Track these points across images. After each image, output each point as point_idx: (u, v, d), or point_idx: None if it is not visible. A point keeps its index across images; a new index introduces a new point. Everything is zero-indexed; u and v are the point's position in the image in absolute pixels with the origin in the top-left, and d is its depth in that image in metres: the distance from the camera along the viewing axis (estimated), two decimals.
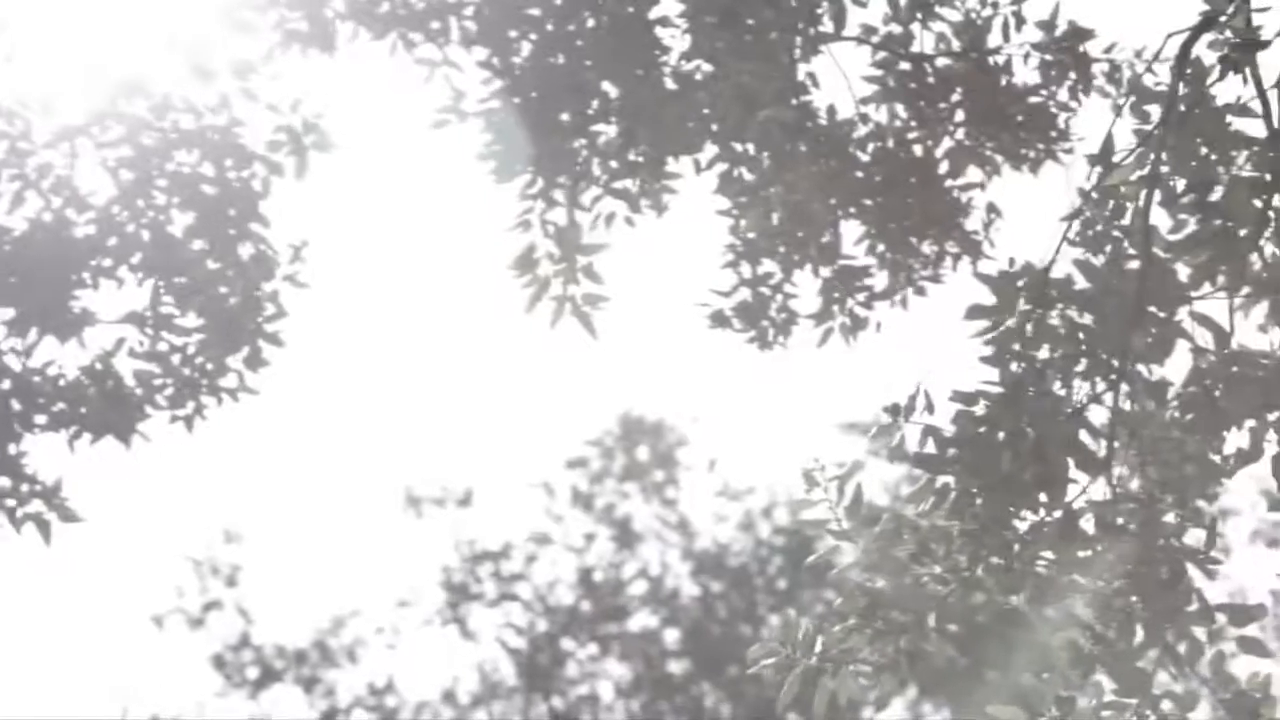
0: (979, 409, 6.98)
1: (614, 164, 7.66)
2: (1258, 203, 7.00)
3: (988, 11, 8.12)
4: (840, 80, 7.98)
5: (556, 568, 25.21)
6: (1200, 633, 6.85)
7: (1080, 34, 8.09)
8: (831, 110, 7.87)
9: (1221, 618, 6.86)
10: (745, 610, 24.44)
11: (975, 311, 7.05)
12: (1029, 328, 7.01)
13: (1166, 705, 6.89)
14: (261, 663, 24.98)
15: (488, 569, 24.89)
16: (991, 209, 8.16)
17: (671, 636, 24.68)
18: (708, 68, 7.48)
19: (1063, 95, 8.11)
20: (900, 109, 8.00)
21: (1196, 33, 7.24)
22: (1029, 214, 8.02)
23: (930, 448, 6.99)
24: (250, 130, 7.97)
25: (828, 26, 7.79)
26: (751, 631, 24.00)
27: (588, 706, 24.41)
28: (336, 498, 26.87)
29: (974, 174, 8.10)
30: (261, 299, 7.83)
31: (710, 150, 7.76)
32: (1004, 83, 8.04)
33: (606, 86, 7.59)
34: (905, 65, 7.96)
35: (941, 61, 8.03)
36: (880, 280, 8.14)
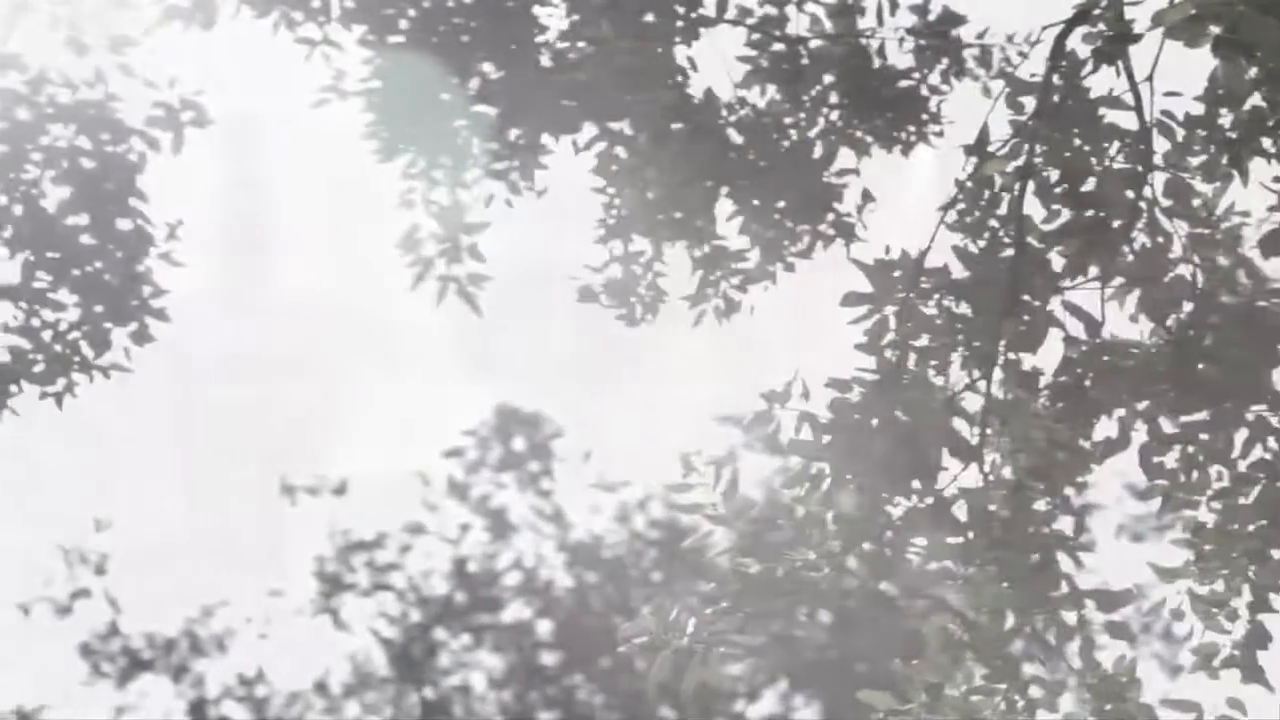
0: (854, 396, 7.01)
1: (493, 145, 7.66)
2: (1129, 194, 7.07)
3: None
4: (719, 63, 8.01)
5: (431, 558, 25.13)
6: (1069, 618, 6.91)
7: (952, 19, 8.16)
8: (709, 92, 7.89)
9: (1090, 604, 6.92)
10: (619, 602, 24.47)
11: (851, 299, 7.08)
12: (904, 315, 7.04)
13: (1035, 692, 6.94)
14: (129, 652, 24.74)
15: (361, 559, 24.77)
16: (866, 194, 8.22)
17: (545, 628, 24.67)
18: (585, 47, 7.48)
19: (934, 79, 8.18)
20: (775, 91, 8.03)
21: (1070, 25, 7.30)
22: (901, 198, 8.08)
23: (806, 434, 7.01)
24: (129, 105, 7.91)
25: (708, 10, 7.82)
26: (625, 624, 24.01)
27: (460, 697, 24.35)
28: (208, 485, 26.60)
29: (848, 157, 8.15)
30: (142, 275, 7.77)
31: (589, 130, 7.77)
32: (877, 66, 8.09)
33: (487, 67, 7.59)
34: (779, 47, 8.00)
35: (815, 44, 8.06)
36: (754, 259, 8.18)
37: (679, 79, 7.71)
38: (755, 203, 7.95)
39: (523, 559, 25.08)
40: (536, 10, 7.52)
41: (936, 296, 7.10)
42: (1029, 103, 7.26)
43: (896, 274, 7.10)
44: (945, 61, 8.13)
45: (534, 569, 24.93)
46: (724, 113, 7.86)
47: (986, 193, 7.21)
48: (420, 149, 7.63)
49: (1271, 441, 6.99)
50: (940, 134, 8.14)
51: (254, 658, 24.70)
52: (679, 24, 7.63)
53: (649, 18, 7.38)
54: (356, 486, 25.36)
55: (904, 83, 8.11)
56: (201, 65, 8.01)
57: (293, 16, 7.80)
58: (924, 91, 8.13)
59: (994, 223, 7.19)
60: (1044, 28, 7.43)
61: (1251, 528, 6.98)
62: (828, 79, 8.02)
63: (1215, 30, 6.57)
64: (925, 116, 8.11)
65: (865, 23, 8.17)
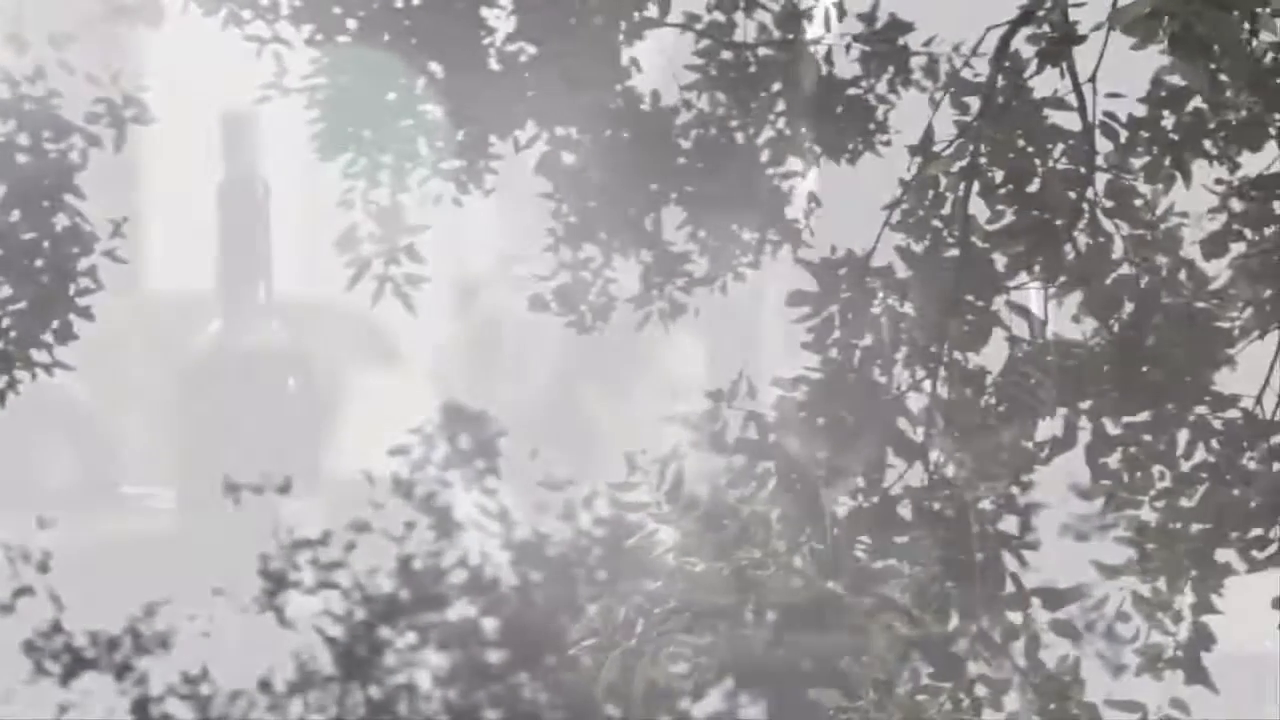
0: (799, 395, 7.03)
1: (440, 144, 7.66)
2: (1072, 194, 7.11)
3: (809, 2, 8.19)
4: (665, 66, 8.02)
5: (376, 556, 25.06)
6: (1015, 617, 6.94)
7: (900, 27, 8.20)
8: (656, 96, 7.92)
9: (1036, 602, 6.96)
10: (565, 600, 24.46)
11: (797, 298, 7.11)
12: (849, 315, 7.06)
13: (981, 690, 6.97)
14: (72, 650, 24.61)
15: (306, 556, 24.69)
16: (812, 198, 8.25)
17: (490, 626, 24.63)
18: (532, 49, 7.49)
19: (881, 88, 8.22)
20: (722, 97, 8.06)
21: (1015, 26, 7.33)
22: (850, 203, 8.10)
23: (752, 433, 7.04)
24: (70, 101, 7.86)
25: (653, 12, 7.82)
26: (570, 622, 24.01)
27: (405, 695, 24.31)
28: (152, 481, 26.52)
29: (794, 163, 8.18)
30: (75, 272, 7.73)
31: (530, 130, 7.79)
32: (824, 73, 8.12)
33: (434, 67, 7.58)
34: (727, 54, 8.03)
35: (763, 51, 8.09)
36: (701, 266, 8.22)
37: (624, 82, 7.72)
38: (702, 207, 7.97)
39: (468, 557, 25.03)
40: (484, 12, 7.51)
41: (881, 295, 7.12)
42: (974, 103, 7.29)
43: (842, 271, 7.12)
44: (891, 70, 8.16)
45: (479, 567, 24.91)
46: (671, 116, 7.88)
47: (931, 193, 7.23)
48: (361, 148, 7.62)
49: (1213, 443, 7.03)
50: (888, 143, 8.17)
51: (198, 656, 24.60)
52: (624, 24, 7.63)
53: (597, 20, 7.38)
54: (301, 484, 25.29)
55: (851, 91, 8.14)
56: (147, 60, 7.96)
57: (242, 15, 7.78)
58: (870, 100, 8.16)
59: (938, 223, 7.21)
60: (989, 28, 7.45)
61: (1195, 529, 7.02)
62: (775, 86, 8.04)
63: (1171, 28, 6.56)
64: (872, 126, 8.14)
65: (812, 30, 8.18)
